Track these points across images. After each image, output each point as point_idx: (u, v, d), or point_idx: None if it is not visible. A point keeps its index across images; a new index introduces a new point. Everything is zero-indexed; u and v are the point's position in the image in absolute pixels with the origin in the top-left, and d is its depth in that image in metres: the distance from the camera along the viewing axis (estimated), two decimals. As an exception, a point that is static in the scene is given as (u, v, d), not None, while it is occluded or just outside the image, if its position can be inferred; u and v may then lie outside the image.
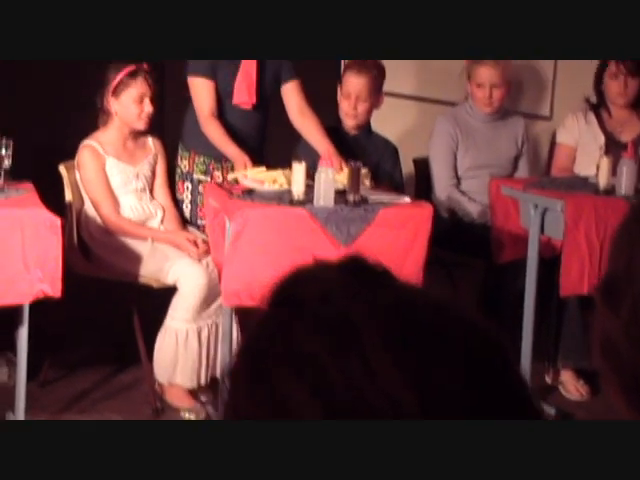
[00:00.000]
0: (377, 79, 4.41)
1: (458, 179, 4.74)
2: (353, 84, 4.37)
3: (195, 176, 4.33)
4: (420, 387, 0.81)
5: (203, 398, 4.06)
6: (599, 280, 1.07)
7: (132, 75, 4.08)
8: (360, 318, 0.83)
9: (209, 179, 4.29)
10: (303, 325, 0.84)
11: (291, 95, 4.29)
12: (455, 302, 0.88)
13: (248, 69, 4.20)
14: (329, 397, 0.81)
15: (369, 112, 4.45)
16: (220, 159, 4.25)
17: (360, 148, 4.38)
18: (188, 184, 4.35)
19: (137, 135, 4.21)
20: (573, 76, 5.22)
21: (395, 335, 0.82)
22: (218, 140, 4.12)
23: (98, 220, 4.13)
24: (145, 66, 4.12)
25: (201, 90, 4.19)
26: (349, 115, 4.41)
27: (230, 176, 4.12)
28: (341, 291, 0.85)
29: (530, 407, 0.87)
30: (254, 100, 4.23)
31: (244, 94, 4.21)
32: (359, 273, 0.87)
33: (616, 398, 1.05)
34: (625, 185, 4.12)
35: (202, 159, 4.30)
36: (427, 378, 0.81)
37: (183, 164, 4.34)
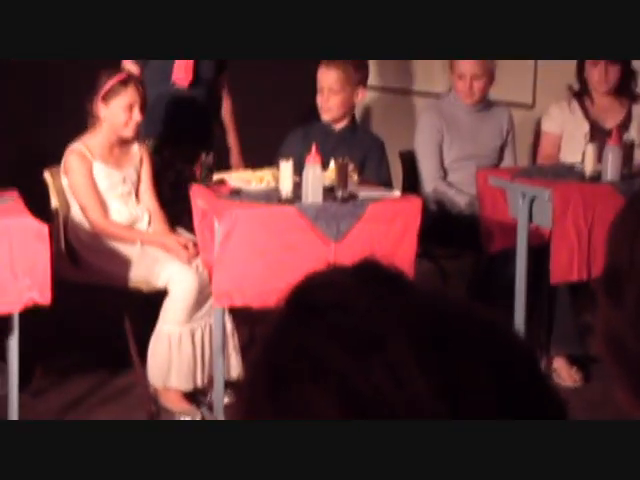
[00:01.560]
0: (350, 72, 4.40)
1: (445, 171, 4.74)
2: (323, 78, 4.37)
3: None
4: (451, 396, 0.78)
5: (209, 400, 4.04)
6: (601, 273, 1.06)
7: (123, 83, 4.08)
8: (384, 326, 0.80)
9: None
10: (325, 337, 0.81)
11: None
12: (473, 304, 0.85)
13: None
14: (357, 410, 0.78)
15: (344, 106, 4.40)
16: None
17: (346, 144, 4.37)
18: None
19: (123, 141, 4.20)
20: (554, 64, 5.23)
21: (422, 343, 0.80)
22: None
23: (86, 225, 4.11)
24: (137, 74, 4.17)
25: None
26: (322, 109, 4.41)
27: (215, 177, 4.14)
28: (361, 299, 0.82)
29: (561, 414, 0.84)
30: (190, 77, 4.56)
31: (181, 72, 4.54)
32: (376, 278, 0.85)
33: (622, 391, 1.04)
34: (611, 171, 4.15)
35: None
36: (457, 387, 0.78)
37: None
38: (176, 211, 4.30)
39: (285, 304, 0.84)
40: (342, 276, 0.85)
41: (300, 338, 0.82)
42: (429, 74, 5.86)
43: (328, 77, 4.35)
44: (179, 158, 4.56)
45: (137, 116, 4.09)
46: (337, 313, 0.81)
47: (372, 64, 4.51)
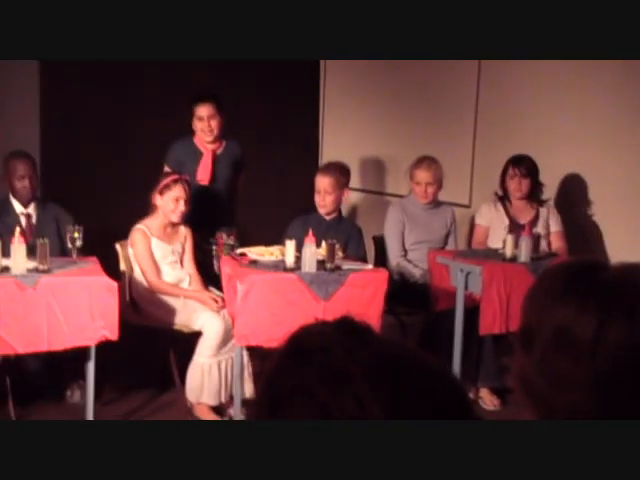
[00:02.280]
0: (340, 178, 4.29)
1: (405, 251, 4.66)
2: (320, 182, 4.29)
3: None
4: (398, 416, 0.80)
5: (230, 412, 3.97)
6: (517, 330, 1.06)
7: (174, 182, 4.04)
8: (353, 366, 0.81)
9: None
10: (311, 372, 0.82)
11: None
12: (421, 350, 0.86)
13: (206, 159, 4.46)
14: (330, 420, 0.80)
15: (335, 202, 4.31)
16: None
17: (334, 230, 4.29)
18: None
19: (173, 224, 4.15)
20: (486, 174, 5.16)
21: (379, 378, 0.81)
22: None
23: (144, 283, 4.08)
24: (185, 177, 4.10)
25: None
26: (319, 205, 4.31)
27: (239, 250, 4.08)
28: (338, 344, 0.83)
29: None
30: (209, 176, 4.47)
31: (203, 173, 4.47)
32: (351, 330, 0.86)
33: (529, 413, 1.04)
34: (524, 255, 4.11)
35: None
36: (404, 410, 0.80)
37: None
38: (206, 276, 4.23)
39: (284, 346, 0.85)
40: (327, 327, 0.86)
41: (293, 373, 0.82)
42: (396, 181, 5.77)
43: (324, 181, 4.25)
44: (205, 239, 4.39)
45: (182, 207, 4.05)
46: (321, 355, 0.82)
47: (355, 172, 4.43)
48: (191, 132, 4.54)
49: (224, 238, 4.27)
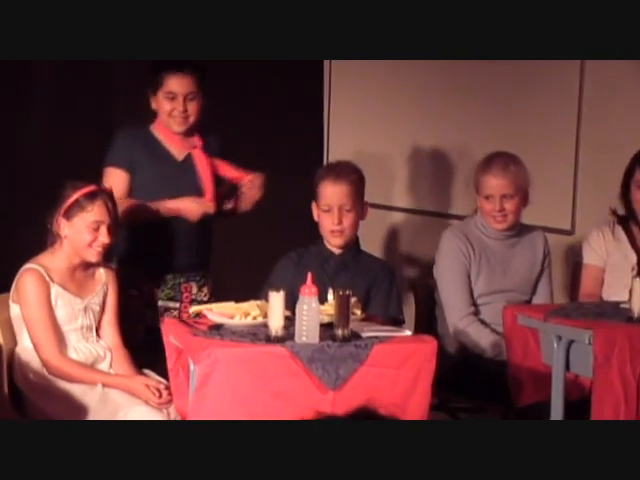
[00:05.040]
0: (358, 184, 4.48)
1: (475, 306, 4.74)
2: (333, 194, 4.42)
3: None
4: None
5: None
6: None
7: (90, 197, 4.13)
8: None
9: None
10: None
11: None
12: None
13: (202, 166, 4.69)
14: None
15: (356, 225, 4.48)
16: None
17: (348, 271, 4.43)
18: None
19: (86, 265, 4.22)
20: (596, 185, 5.40)
21: None
22: None
23: (37, 363, 4.10)
24: (107, 189, 4.23)
25: (116, 180, 4.57)
26: (334, 232, 4.43)
27: (192, 309, 4.17)
28: None
29: None
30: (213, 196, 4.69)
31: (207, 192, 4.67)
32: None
33: None
34: None
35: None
36: None
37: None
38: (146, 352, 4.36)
39: None
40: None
41: None
42: (452, 193, 5.91)
43: (339, 192, 4.42)
44: (150, 291, 4.66)
45: (104, 237, 4.12)
46: None
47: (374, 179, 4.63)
48: (146, 118, 4.76)
49: (193, 291, 4.52)
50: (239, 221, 5.27)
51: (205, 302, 4.47)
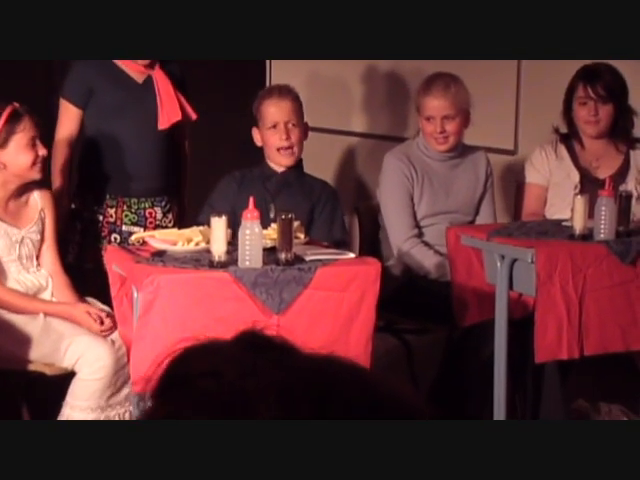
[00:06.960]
0: (299, 102, 4.53)
1: (419, 228, 4.74)
2: (278, 110, 4.47)
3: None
4: None
5: None
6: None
7: (16, 117, 4.07)
8: (252, 393, 0.94)
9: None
10: (193, 403, 0.96)
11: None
12: (361, 370, 1.00)
13: (166, 89, 4.69)
14: None
15: (302, 144, 4.53)
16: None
17: (291, 190, 4.46)
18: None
19: (21, 190, 4.17)
20: (539, 103, 5.39)
21: (284, 407, 0.94)
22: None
23: None
24: (22, 106, 4.17)
25: (68, 116, 4.68)
26: (284, 150, 4.48)
27: (134, 236, 4.21)
28: (233, 367, 0.97)
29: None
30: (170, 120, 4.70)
31: (170, 113, 4.68)
32: (253, 346, 0.99)
33: None
34: (604, 228, 4.14)
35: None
36: None
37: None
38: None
39: (160, 377, 0.99)
40: (220, 346, 1.00)
41: (170, 406, 0.97)
42: (393, 115, 5.90)
43: (284, 109, 4.46)
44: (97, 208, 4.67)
45: (42, 150, 4.10)
46: (207, 381, 0.96)
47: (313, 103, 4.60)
48: None
49: (157, 217, 4.52)
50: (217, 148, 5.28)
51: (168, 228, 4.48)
